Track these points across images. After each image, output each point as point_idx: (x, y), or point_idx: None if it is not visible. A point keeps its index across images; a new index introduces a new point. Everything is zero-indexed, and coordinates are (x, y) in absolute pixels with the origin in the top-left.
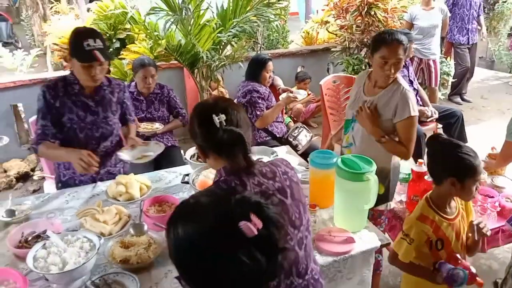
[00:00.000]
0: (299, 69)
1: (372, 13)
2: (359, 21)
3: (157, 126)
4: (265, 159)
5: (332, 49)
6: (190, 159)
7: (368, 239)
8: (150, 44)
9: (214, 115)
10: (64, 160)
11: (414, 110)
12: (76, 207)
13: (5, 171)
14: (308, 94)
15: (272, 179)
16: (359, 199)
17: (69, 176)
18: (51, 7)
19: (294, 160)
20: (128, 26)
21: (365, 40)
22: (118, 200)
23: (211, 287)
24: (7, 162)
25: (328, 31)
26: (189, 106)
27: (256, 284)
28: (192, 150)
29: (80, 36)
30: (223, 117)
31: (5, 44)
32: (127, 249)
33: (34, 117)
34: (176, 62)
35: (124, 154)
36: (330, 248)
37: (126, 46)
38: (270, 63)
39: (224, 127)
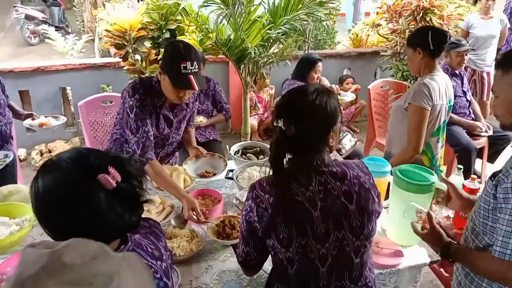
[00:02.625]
0: (345, 72)
1: (428, 18)
2: (413, 26)
3: (201, 119)
4: None
5: (382, 53)
6: (235, 155)
7: (417, 254)
8: (200, 36)
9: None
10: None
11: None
12: None
13: (50, 151)
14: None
15: (340, 180)
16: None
17: None
18: None
19: None
20: (179, 17)
21: None
22: (162, 190)
23: (74, 235)
24: (52, 143)
25: (379, 34)
26: (232, 101)
27: (118, 232)
28: (237, 146)
29: (178, 56)
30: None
31: (56, 29)
32: (169, 240)
33: (82, 101)
34: (222, 56)
35: (188, 168)
36: (376, 259)
37: (176, 37)
38: (319, 64)
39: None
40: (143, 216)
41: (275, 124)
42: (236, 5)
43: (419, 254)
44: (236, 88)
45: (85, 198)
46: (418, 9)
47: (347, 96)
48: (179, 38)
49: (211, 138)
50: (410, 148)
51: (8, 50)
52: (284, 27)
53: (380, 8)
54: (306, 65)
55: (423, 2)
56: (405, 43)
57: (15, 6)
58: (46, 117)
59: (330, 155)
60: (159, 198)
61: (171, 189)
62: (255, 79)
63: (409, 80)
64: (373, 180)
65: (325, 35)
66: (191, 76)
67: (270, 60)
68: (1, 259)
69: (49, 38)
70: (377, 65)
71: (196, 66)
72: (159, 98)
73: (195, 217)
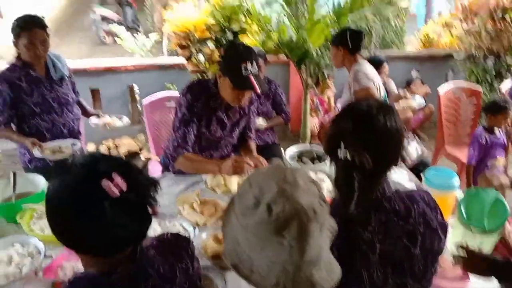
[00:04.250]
0: (413, 74)
1: (508, 19)
2: (490, 26)
3: (261, 122)
4: None
5: (455, 55)
6: (291, 160)
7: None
8: (262, 37)
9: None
10: (208, 173)
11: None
12: (176, 193)
13: (116, 147)
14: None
15: (404, 219)
16: (493, 234)
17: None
18: None
19: (404, 175)
20: (242, 18)
21: (495, 48)
22: (216, 192)
23: (78, 242)
24: (119, 139)
25: (452, 35)
26: (292, 103)
27: (123, 243)
28: (292, 151)
29: (239, 56)
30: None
31: (128, 29)
32: (220, 244)
33: (147, 100)
34: (283, 57)
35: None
36: (439, 282)
37: (239, 38)
38: (385, 65)
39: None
40: (196, 218)
41: (338, 154)
42: (299, 5)
43: (487, 279)
44: (297, 90)
45: (88, 204)
46: (496, 8)
47: (415, 100)
48: (241, 38)
49: (270, 142)
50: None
51: (85, 49)
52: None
53: (455, 7)
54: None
55: (502, 1)
56: (480, 45)
57: (92, 7)
58: (110, 116)
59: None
60: (212, 200)
61: (207, 165)
62: (317, 81)
63: (483, 84)
64: (442, 216)
65: (393, 35)
66: (252, 78)
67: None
68: (51, 250)
69: (119, 37)
70: (448, 67)
71: (256, 67)
72: (214, 100)
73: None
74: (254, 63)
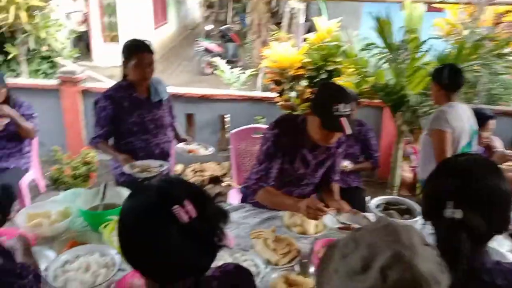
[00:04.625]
0: None
1: None
2: None
3: (346, 164)
4: None
5: None
6: (376, 208)
7: None
8: (358, 79)
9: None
10: (286, 209)
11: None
12: (251, 224)
13: (202, 171)
14: None
15: None
16: None
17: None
18: (273, 34)
19: (505, 243)
20: (338, 59)
21: None
22: (291, 231)
23: (142, 264)
24: (206, 164)
25: None
26: (382, 148)
27: (187, 272)
28: (379, 200)
29: (331, 96)
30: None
31: (229, 63)
32: (290, 287)
33: (234, 130)
34: (377, 101)
35: (327, 217)
36: None
37: (333, 79)
38: (492, 122)
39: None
40: (269, 256)
41: (444, 214)
42: (402, 50)
43: None
44: (388, 136)
45: (156, 227)
46: None
47: None
48: (336, 80)
49: (354, 185)
50: None
51: (185, 78)
52: None
53: None
54: (476, 121)
55: None
56: None
57: (197, 40)
58: (198, 144)
59: None
60: (287, 239)
61: (287, 200)
62: (412, 128)
63: None
64: None
65: (502, 90)
66: (343, 119)
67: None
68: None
69: (218, 69)
70: None
71: (349, 109)
72: (301, 138)
73: (313, 213)
74: (348, 105)
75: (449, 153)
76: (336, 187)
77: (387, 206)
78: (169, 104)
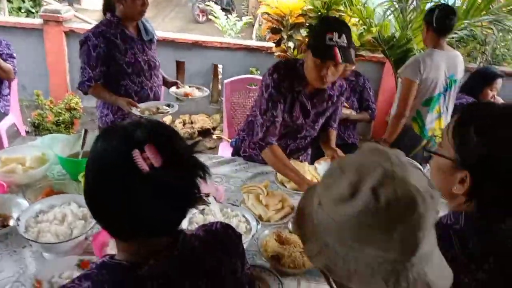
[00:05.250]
0: None
1: None
2: None
3: (350, 111)
4: None
5: None
6: None
7: None
8: (361, 30)
9: None
10: (288, 178)
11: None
12: (242, 179)
13: (191, 123)
14: None
15: None
16: None
17: (248, 153)
18: None
19: None
20: (342, 7)
21: None
22: (285, 186)
23: (105, 216)
24: (196, 115)
25: None
26: (379, 105)
27: (151, 228)
28: None
29: (325, 26)
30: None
31: (222, 10)
32: (282, 245)
33: (228, 80)
34: (378, 56)
35: (320, 168)
36: None
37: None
38: (499, 81)
39: None
40: (260, 211)
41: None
42: (410, 1)
43: None
44: (387, 92)
45: (117, 176)
46: None
47: None
48: None
49: (349, 142)
50: (396, 114)
51: (178, 25)
52: (462, 32)
53: None
54: (481, 80)
55: None
56: None
57: None
58: (190, 87)
59: None
60: (280, 194)
61: (291, 173)
62: None
63: None
64: None
65: (506, 50)
66: (336, 48)
67: None
68: None
69: (212, 15)
70: None
71: (345, 41)
72: (299, 82)
73: None
74: (343, 35)
75: (410, 103)
76: (333, 134)
77: None
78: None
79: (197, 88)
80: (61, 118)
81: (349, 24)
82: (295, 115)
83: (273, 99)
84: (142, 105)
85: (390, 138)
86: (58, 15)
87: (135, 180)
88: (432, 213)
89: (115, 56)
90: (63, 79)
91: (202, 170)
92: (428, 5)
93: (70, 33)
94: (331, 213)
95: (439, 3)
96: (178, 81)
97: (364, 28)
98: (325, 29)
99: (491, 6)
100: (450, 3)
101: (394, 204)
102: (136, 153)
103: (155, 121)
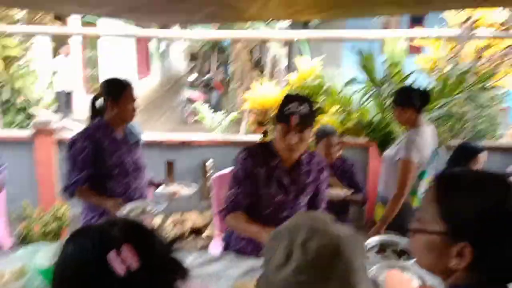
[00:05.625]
0: (510, 168)
1: None
2: None
3: (344, 192)
4: None
5: None
6: (371, 250)
7: None
8: (342, 117)
9: None
10: (252, 236)
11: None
12: (233, 277)
13: (183, 222)
14: None
15: None
16: None
17: (239, 246)
18: (256, 81)
19: None
20: (322, 97)
21: None
22: None
23: None
24: (187, 213)
25: None
26: (370, 189)
27: None
28: (372, 241)
29: (286, 99)
30: None
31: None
32: None
33: (216, 175)
34: (362, 142)
35: None
36: None
37: (317, 117)
38: (482, 155)
39: None
40: None
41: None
42: (386, 85)
43: None
44: (375, 175)
45: (93, 282)
46: None
47: None
48: (320, 117)
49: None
50: (396, 195)
51: (168, 127)
52: (440, 112)
53: None
54: (464, 154)
55: None
56: None
57: (181, 90)
58: (178, 185)
59: None
60: None
61: (252, 227)
62: None
63: None
64: None
65: (487, 125)
66: (295, 114)
67: None
68: None
69: (201, 114)
70: None
71: (306, 109)
72: (273, 158)
73: None
74: (303, 104)
75: (410, 183)
76: None
77: (382, 247)
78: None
79: (185, 185)
80: (48, 228)
81: (330, 112)
82: (273, 192)
83: (237, 176)
84: (128, 206)
85: (388, 219)
86: (50, 126)
87: (112, 284)
88: (359, 256)
89: (102, 158)
90: (52, 188)
91: (183, 272)
92: None
93: (61, 142)
94: (275, 281)
95: (406, 86)
96: (163, 181)
97: (344, 115)
98: (286, 101)
99: (464, 85)
100: (424, 85)
101: (322, 254)
102: (112, 255)
103: (131, 219)
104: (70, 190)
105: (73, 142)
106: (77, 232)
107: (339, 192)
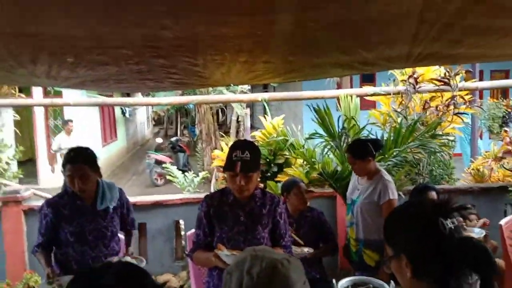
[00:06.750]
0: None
1: None
2: None
3: (307, 250)
4: None
5: (510, 189)
6: None
7: None
8: (307, 169)
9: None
10: (209, 263)
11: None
12: None
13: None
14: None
15: None
16: None
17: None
18: (221, 141)
19: None
20: (287, 152)
21: None
22: None
23: None
24: (161, 276)
25: (505, 168)
26: (341, 238)
27: None
28: (345, 282)
29: (232, 147)
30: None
31: (179, 170)
32: None
33: (190, 232)
34: (328, 191)
35: None
36: None
37: (283, 171)
38: (432, 193)
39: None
40: None
41: None
42: (343, 137)
43: None
44: (344, 222)
45: None
46: None
47: (474, 233)
48: (286, 170)
49: (318, 277)
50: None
51: (137, 191)
52: (395, 159)
53: (502, 140)
54: (415, 194)
55: None
56: None
57: (148, 153)
58: (131, 258)
59: None
60: None
61: (204, 256)
62: None
63: None
64: None
65: (441, 170)
66: (238, 162)
67: None
68: None
69: (170, 175)
70: (506, 201)
71: (247, 155)
72: (226, 198)
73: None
74: (246, 152)
75: None
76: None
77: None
78: (122, 211)
79: (135, 258)
80: None
81: (295, 165)
82: (231, 225)
83: (198, 219)
84: (64, 278)
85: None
86: (17, 195)
87: None
88: (293, 273)
89: (61, 225)
90: (21, 259)
91: None
92: None
93: (29, 212)
94: None
95: (361, 137)
96: (131, 252)
97: (309, 167)
98: (232, 149)
99: (415, 134)
100: (379, 135)
101: (262, 275)
102: None
103: (123, 263)
104: (33, 251)
105: (41, 207)
106: (71, 282)
107: (303, 249)
